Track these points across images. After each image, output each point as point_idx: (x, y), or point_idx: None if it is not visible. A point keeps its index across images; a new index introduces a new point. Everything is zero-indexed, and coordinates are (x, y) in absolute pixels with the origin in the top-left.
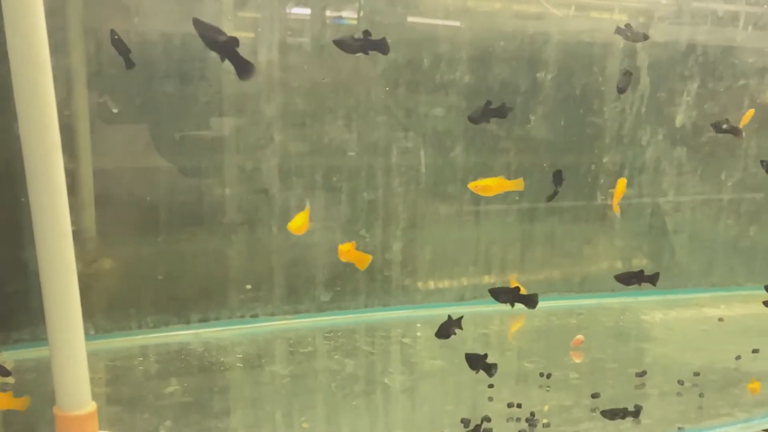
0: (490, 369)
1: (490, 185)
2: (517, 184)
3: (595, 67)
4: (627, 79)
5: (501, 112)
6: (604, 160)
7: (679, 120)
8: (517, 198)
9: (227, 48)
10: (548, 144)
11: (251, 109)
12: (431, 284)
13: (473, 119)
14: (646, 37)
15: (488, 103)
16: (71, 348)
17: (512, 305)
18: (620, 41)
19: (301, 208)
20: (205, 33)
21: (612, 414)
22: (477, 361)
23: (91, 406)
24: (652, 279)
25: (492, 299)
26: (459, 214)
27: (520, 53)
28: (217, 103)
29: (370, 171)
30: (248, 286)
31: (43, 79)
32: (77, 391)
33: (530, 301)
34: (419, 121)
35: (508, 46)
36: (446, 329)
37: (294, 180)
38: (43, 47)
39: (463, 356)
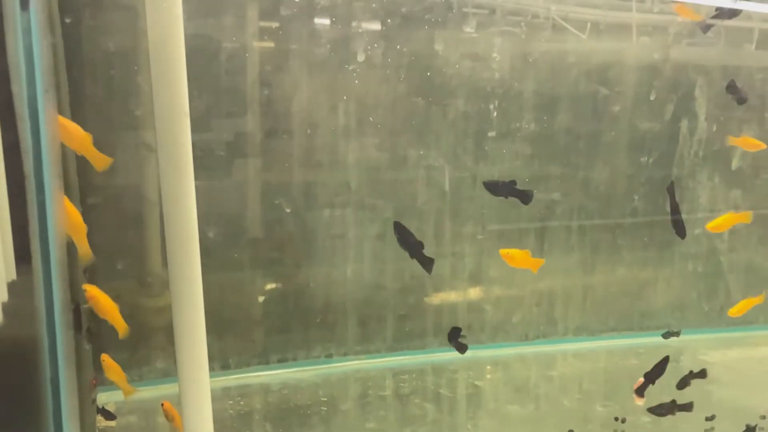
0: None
1: None
2: None
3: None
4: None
5: (523, 197)
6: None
7: (735, 163)
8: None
9: (415, 249)
10: None
11: None
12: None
13: (491, 186)
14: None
15: (514, 182)
16: (200, 387)
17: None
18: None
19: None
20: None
21: None
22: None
23: None
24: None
25: None
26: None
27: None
28: None
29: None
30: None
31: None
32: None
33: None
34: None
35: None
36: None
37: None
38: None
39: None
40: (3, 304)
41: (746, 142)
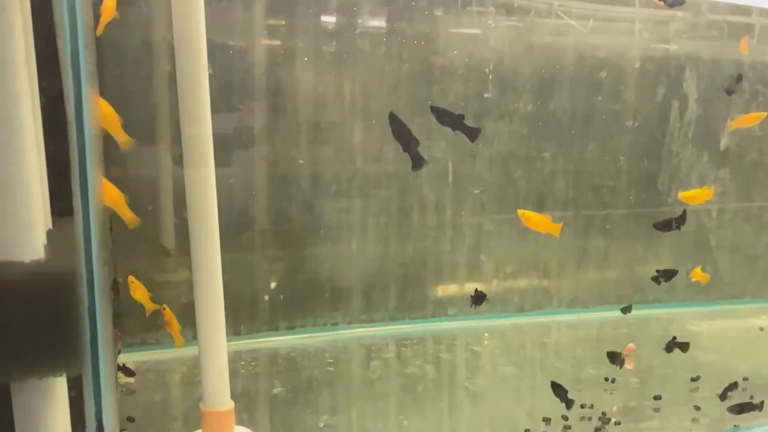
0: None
1: None
2: None
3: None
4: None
5: (470, 133)
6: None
7: (723, 143)
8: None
9: (409, 143)
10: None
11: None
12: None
13: (438, 112)
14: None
15: (462, 116)
16: (217, 350)
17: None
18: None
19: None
20: (398, 129)
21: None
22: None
23: (230, 404)
24: None
25: None
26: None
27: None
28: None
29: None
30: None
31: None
32: (220, 390)
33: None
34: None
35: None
36: None
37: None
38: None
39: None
40: (44, 245)
41: (745, 120)
